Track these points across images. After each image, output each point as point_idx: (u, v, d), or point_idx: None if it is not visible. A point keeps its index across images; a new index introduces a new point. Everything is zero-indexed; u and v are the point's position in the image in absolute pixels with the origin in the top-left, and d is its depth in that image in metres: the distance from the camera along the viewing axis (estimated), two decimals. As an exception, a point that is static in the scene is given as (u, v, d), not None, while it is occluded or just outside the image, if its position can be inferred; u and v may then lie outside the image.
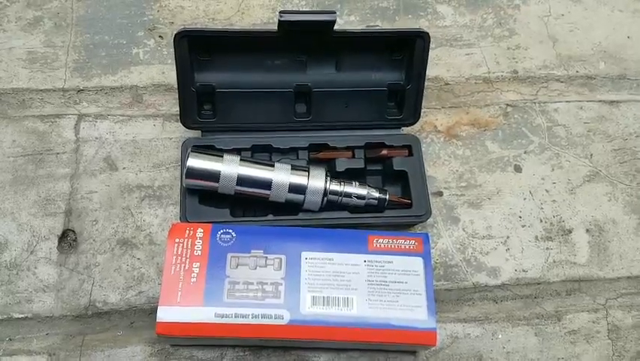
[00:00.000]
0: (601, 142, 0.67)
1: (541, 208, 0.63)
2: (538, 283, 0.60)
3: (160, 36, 0.68)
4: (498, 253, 0.61)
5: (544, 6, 0.75)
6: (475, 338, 0.57)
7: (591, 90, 0.71)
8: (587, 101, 0.70)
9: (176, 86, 0.56)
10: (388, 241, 0.53)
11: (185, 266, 0.50)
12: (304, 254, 0.51)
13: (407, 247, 0.53)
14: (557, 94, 0.70)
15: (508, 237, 0.61)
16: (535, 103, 0.69)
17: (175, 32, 0.53)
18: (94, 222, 0.58)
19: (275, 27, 0.53)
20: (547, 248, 0.61)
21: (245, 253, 0.51)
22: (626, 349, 0.58)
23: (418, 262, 0.52)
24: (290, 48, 0.57)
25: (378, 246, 0.52)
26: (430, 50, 0.57)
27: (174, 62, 0.55)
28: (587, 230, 0.63)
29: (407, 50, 0.58)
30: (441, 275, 0.59)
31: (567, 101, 0.70)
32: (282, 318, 0.49)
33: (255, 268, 0.50)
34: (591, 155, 0.67)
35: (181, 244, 0.51)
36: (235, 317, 0.48)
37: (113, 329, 0.55)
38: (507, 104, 0.69)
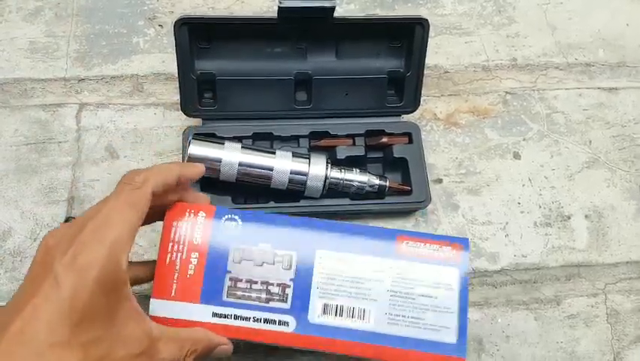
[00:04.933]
0: (600, 129, 0.68)
1: (540, 195, 0.63)
2: (538, 269, 0.60)
3: (160, 25, 0.69)
4: (497, 238, 0.61)
5: (543, -6, 0.76)
6: (475, 322, 0.58)
7: (590, 77, 0.71)
8: (586, 89, 0.70)
9: (176, 74, 0.57)
10: (420, 246, 0.45)
11: (182, 255, 0.44)
12: (319, 253, 0.45)
13: (442, 254, 0.45)
14: (556, 81, 0.70)
15: (507, 223, 0.62)
16: (534, 90, 0.69)
17: (175, 20, 0.53)
18: (96, 210, 0.59)
19: (275, 15, 0.53)
20: (546, 234, 0.62)
21: (251, 246, 0.45)
22: (625, 333, 0.59)
23: (452, 274, 0.45)
24: (290, 35, 0.58)
25: (406, 250, 0.45)
26: (429, 38, 0.58)
27: (174, 50, 0.55)
28: (586, 216, 0.63)
29: (406, 37, 0.58)
30: (441, 261, 0.60)
31: (566, 89, 0.70)
32: (288, 325, 0.44)
33: (261, 265, 0.45)
34: (590, 141, 0.67)
35: (180, 229, 0.45)
36: (234, 318, 0.44)
37: (116, 315, 0.56)
38: (506, 92, 0.69)
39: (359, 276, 0.45)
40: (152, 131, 0.63)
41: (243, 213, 0.46)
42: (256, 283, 0.44)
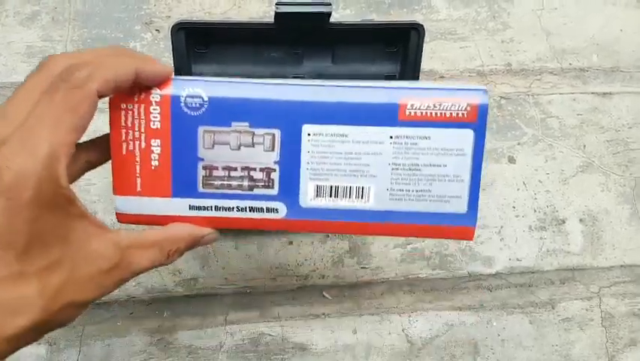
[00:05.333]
0: (594, 133, 0.68)
1: (535, 198, 0.64)
2: (533, 272, 0.61)
3: (157, 30, 0.69)
4: (492, 242, 0.61)
5: (537, 0, 0.76)
6: (471, 325, 0.58)
7: (584, 82, 0.71)
8: (580, 93, 0.71)
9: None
10: (429, 106, 0.37)
11: (140, 144, 0.37)
12: (306, 128, 0.38)
13: (455, 113, 0.37)
14: (551, 86, 0.71)
15: (502, 226, 0.62)
16: (528, 95, 0.70)
17: (172, 24, 0.53)
18: (93, 214, 0.58)
19: (271, 20, 0.54)
20: (541, 238, 0.62)
21: (223, 127, 0.37)
22: (619, 336, 0.59)
23: (466, 137, 0.37)
24: (286, 40, 0.58)
25: (413, 114, 0.37)
26: (424, 44, 0.58)
27: (171, 54, 0.55)
28: (581, 220, 0.64)
29: (402, 42, 0.59)
30: (437, 264, 0.60)
31: (560, 94, 0.70)
32: (277, 212, 0.38)
33: (239, 149, 0.37)
34: (584, 146, 0.67)
35: (130, 112, 0.36)
36: (215, 209, 0.38)
37: (112, 319, 0.56)
38: (501, 97, 0.69)
39: (355, 151, 0.38)
40: (149, 135, 0.63)
41: (209, 85, 0.37)
42: (235, 169, 0.38)
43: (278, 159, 0.38)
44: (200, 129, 0.37)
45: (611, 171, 0.66)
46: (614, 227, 0.64)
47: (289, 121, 0.37)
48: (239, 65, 0.59)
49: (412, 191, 0.38)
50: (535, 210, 0.63)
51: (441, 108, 0.37)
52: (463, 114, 0.37)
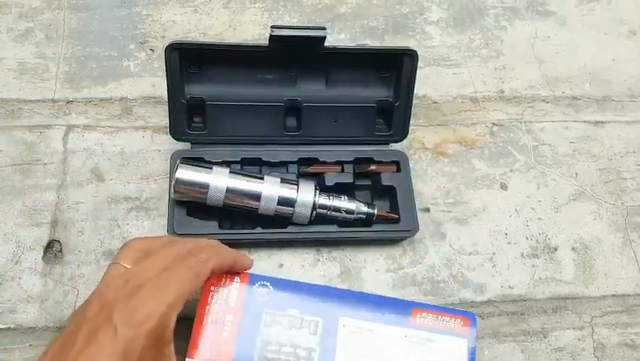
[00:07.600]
0: (586, 162, 0.68)
1: (527, 226, 0.64)
2: (524, 300, 0.60)
3: (151, 49, 0.69)
4: (484, 269, 0.61)
5: (530, 28, 0.77)
6: (462, 354, 0.57)
7: (576, 111, 0.72)
8: (573, 122, 0.71)
9: (166, 98, 0.57)
10: (433, 317, 0.50)
11: (217, 318, 0.47)
12: (342, 320, 0.49)
13: (451, 325, 0.50)
14: (543, 114, 0.71)
15: (494, 253, 0.62)
16: (521, 122, 0.70)
17: (166, 44, 0.53)
18: (80, 233, 0.58)
19: (266, 42, 0.54)
20: (533, 265, 0.62)
21: (281, 311, 0.49)
22: (611, 367, 0.59)
23: (461, 345, 0.50)
24: (281, 63, 0.58)
25: (421, 321, 0.50)
26: (418, 69, 0.58)
27: (165, 74, 0.55)
28: (573, 248, 0.63)
29: (395, 67, 0.59)
30: (428, 290, 0.59)
31: (553, 121, 0.71)
32: None
33: (290, 329, 0.48)
34: (576, 174, 0.67)
35: (216, 293, 0.48)
36: None
37: None
38: (493, 124, 0.70)
39: (379, 344, 0.49)
40: (140, 154, 0.62)
41: (275, 280, 0.50)
42: (285, 345, 0.47)
43: (319, 341, 0.48)
44: (265, 311, 0.48)
45: (603, 199, 0.66)
46: (606, 256, 0.63)
47: (330, 312, 0.49)
48: (232, 87, 0.58)
49: None
50: (527, 238, 0.63)
51: (442, 321, 0.50)
52: (458, 327, 0.50)
